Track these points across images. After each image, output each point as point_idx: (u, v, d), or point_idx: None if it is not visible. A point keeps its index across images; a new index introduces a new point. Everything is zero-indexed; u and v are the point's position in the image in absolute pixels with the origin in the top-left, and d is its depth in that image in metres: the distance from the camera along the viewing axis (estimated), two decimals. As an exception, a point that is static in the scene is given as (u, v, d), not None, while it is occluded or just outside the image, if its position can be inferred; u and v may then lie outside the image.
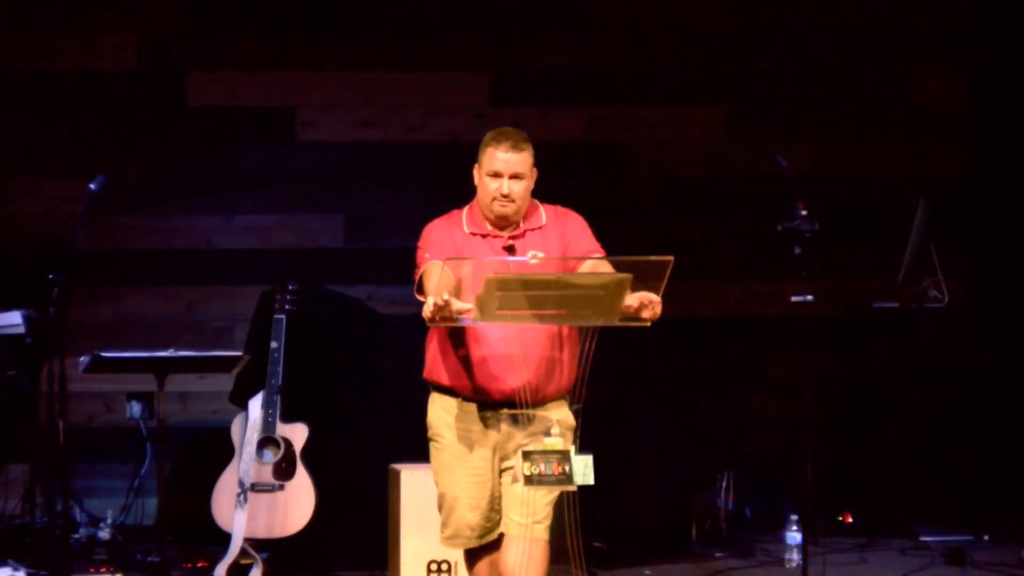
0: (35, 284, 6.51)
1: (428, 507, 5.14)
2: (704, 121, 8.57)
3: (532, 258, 4.49)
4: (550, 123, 8.35)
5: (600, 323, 4.40)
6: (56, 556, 6.66)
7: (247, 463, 6.68)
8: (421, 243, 4.80)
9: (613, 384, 7.06)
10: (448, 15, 8.39)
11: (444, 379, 4.79)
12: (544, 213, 4.85)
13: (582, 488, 4.46)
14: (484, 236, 4.78)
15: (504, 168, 4.70)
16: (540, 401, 4.71)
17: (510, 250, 4.73)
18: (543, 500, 4.68)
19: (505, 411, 4.72)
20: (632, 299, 4.33)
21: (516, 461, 4.49)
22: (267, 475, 6.72)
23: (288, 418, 6.79)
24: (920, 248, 7.86)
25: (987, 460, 7.96)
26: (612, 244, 4.82)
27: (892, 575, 6.93)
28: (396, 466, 6.41)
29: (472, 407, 4.76)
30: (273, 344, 6.83)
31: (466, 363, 4.71)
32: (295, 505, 6.72)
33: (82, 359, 6.47)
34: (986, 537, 7.65)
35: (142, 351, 6.60)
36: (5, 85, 8.13)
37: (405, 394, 6.57)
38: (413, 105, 8.39)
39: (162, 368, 6.39)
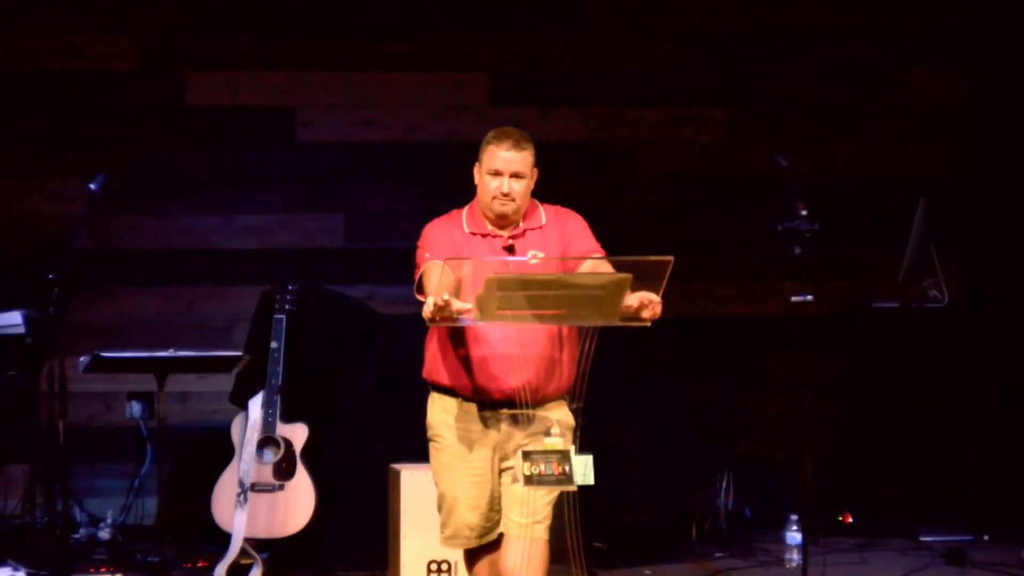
0: (35, 284, 6.51)
1: (428, 507, 5.14)
2: (704, 121, 8.57)
3: (532, 258, 4.49)
4: (550, 123, 8.36)
5: (600, 323, 4.40)
6: (56, 556, 6.66)
7: (247, 463, 6.68)
8: (421, 243, 4.80)
9: (613, 384, 7.06)
10: (448, 15, 8.39)
11: (444, 379, 4.79)
12: (544, 213, 4.85)
13: (582, 488, 4.46)
14: (484, 236, 4.78)
15: (505, 167, 4.70)
16: (540, 401, 4.71)
17: (510, 250, 4.74)
18: (543, 500, 4.68)
19: (505, 411, 4.72)
20: (632, 299, 4.33)
21: (516, 461, 4.49)
22: (267, 475, 6.73)
23: (288, 418, 6.79)
24: (920, 248, 7.87)
25: (987, 460, 7.96)
26: (612, 244, 4.82)
27: (892, 575, 6.93)
28: (396, 466, 6.40)
29: (472, 407, 4.76)
30: (273, 344, 6.83)
31: (466, 363, 4.71)
32: (295, 505, 6.72)
33: (82, 359, 6.48)
34: (986, 537, 7.65)
35: (142, 351, 6.60)
36: (5, 85, 8.13)
37: (405, 394, 6.59)
38: (413, 105, 8.39)
39: (162, 368, 6.39)
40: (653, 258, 4.30)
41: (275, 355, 6.81)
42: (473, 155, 4.80)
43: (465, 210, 4.85)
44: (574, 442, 4.60)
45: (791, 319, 6.30)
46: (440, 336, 4.77)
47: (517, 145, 4.72)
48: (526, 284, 4.25)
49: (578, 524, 4.57)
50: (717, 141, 8.57)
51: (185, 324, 8.16)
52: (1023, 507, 7.86)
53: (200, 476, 7.02)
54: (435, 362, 4.82)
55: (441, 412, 4.82)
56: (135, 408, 7.97)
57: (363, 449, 7.04)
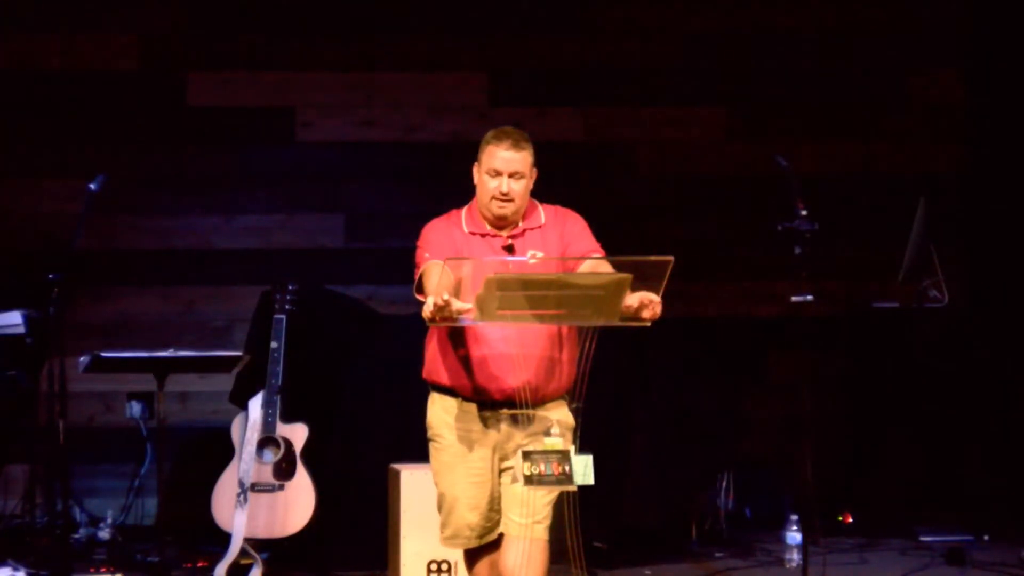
0: (35, 284, 6.51)
1: (428, 507, 5.14)
2: (704, 121, 8.57)
3: (532, 258, 4.49)
4: (550, 123, 8.36)
5: (600, 323, 4.39)
6: (56, 556, 6.66)
7: (247, 463, 6.68)
8: (420, 243, 4.80)
9: (613, 384, 7.05)
10: (448, 15, 8.39)
11: (444, 379, 4.79)
12: (543, 213, 4.85)
13: (582, 488, 4.46)
14: (483, 236, 4.77)
15: (504, 166, 4.70)
16: (540, 401, 4.71)
17: (509, 250, 4.73)
18: (543, 500, 4.68)
19: (505, 411, 4.72)
20: (632, 299, 4.33)
21: (516, 461, 4.49)
22: (267, 475, 6.72)
23: (288, 418, 6.79)
24: (920, 248, 7.86)
25: (987, 460, 7.96)
26: (612, 244, 4.82)
27: (892, 575, 6.93)
28: (396, 466, 6.40)
29: (472, 407, 4.76)
30: (273, 344, 6.83)
31: (466, 363, 4.71)
32: (295, 505, 6.72)
33: (82, 359, 6.48)
34: (986, 537, 7.64)
35: (142, 351, 6.60)
36: (5, 85, 8.13)
37: (405, 394, 6.58)
38: (413, 105, 8.39)
39: (162, 368, 6.40)
40: (653, 258, 4.30)
41: (275, 355, 6.81)
42: (473, 155, 4.80)
43: (464, 210, 4.85)
44: (574, 442, 4.60)
45: (791, 319, 6.29)
46: (440, 336, 4.76)
47: (516, 145, 4.72)
48: (526, 284, 4.25)
49: (578, 524, 4.57)
50: (717, 141, 8.57)
51: (185, 324, 8.16)
52: (1023, 507, 7.86)
53: (200, 476, 7.01)
54: (435, 362, 4.82)
55: (441, 412, 4.82)
56: (135, 408, 7.97)
57: (363, 449, 7.03)
